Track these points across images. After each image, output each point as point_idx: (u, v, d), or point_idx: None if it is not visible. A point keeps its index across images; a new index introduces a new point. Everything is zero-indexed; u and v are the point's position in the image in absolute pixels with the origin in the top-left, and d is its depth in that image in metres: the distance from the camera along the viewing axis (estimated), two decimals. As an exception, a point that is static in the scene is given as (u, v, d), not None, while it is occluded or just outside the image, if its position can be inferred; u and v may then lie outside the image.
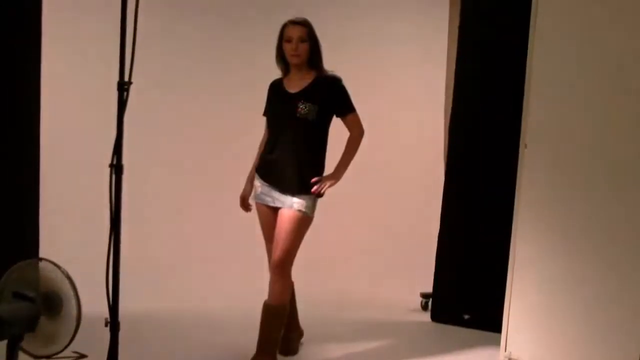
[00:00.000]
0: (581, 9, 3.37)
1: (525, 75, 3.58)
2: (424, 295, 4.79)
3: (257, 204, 3.60)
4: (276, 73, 3.64)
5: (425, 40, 6.21)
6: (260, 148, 3.69)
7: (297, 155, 3.44)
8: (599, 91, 3.29)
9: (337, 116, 3.57)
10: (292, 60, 3.47)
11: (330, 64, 3.57)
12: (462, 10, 4.53)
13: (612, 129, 3.24)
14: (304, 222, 3.44)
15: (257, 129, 3.73)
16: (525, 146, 3.56)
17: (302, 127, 3.44)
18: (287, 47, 3.45)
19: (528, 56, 3.55)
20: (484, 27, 4.36)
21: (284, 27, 3.48)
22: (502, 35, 4.23)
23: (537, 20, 3.51)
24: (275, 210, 3.50)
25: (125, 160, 2.53)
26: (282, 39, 3.48)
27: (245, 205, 3.70)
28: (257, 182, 3.57)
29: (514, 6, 4.11)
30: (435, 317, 4.57)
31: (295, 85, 3.52)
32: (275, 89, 3.60)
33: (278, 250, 3.40)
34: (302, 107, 3.42)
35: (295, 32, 3.43)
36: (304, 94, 3.46)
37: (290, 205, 3.42)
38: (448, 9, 6.04)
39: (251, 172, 3.67)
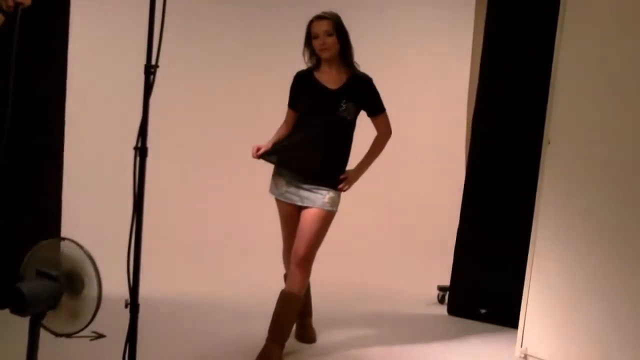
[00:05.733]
0: (608, 5, 3.34)
1: (550, 72, 3.56)
2: (441, 289, 4.78)
3: (280, 202, 3.56)
4: (300, 61, 3.60)
5: (450, 34, 6.18)
6: (278, 134, 3.62)
7: (329, 152, 3.46)
8: (624, 88, 3.25)
9: (368, 115, 3.60)
10: (322, 54, 3.46)
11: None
12: (489, 4, 4.49)
13: (637, 125, 3.20)
14: (330, 218, 3.48)
15: (281, 114, 3.69)
16: (549, 142, 3.54)
17: (339, 124, 3.46)
18: (316, 43, 3.45)
19: (555, 52, 3.53)
20: (511, 22, 4.31)
21: (310, 25, 3.47)
22: (528, 31, 4.19)
23: (564, 16, 3.49)
24: (299, 208, 3.50)
25: (149, 143, 2.55)
26: (310, 36, 3.47)
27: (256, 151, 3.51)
28: (281, 180, 3.51)
29: (541, 1, 4.07)
30: (451, 311, 4.57)
31: (332, 80, 3.49)
32: (306, 81, 3.53)
33: (304, 245, 3.41)
34: (345, 106, 3.43)
35: (321, 27, 3.43)
36: (345, 92, 3.46)
37: (322, 205, 3.42)
38: (474, 3, 6.01)
39: (273, 138, 3.58)
